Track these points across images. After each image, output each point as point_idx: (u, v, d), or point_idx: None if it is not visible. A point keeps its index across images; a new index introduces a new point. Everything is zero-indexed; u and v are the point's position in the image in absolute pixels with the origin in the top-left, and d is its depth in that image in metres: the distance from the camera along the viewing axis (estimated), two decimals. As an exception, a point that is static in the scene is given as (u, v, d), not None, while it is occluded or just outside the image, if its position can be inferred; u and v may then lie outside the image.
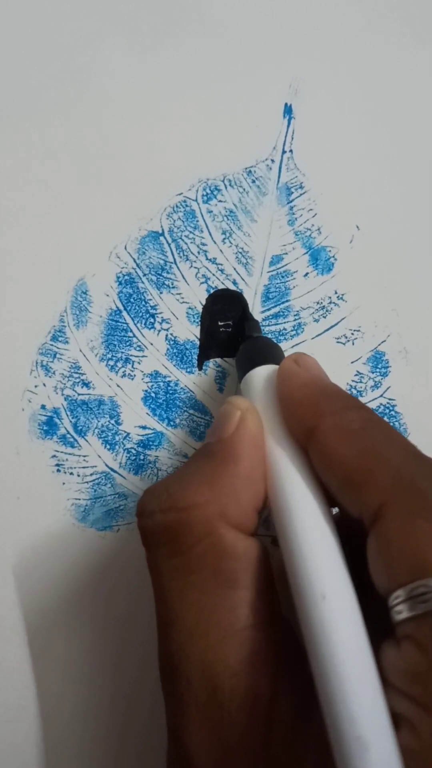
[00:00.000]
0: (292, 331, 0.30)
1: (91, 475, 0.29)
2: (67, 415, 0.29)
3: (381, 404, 0.30)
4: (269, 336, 0.30)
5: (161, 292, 0.30)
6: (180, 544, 0.20)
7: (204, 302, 0.30)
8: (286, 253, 0.30)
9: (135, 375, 0.29)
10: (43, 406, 0.29)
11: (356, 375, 0.30)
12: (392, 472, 0.19)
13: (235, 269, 0.30)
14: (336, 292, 0.30)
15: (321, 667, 0.17)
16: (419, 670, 0.16)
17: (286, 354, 0.28)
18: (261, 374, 0.24)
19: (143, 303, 0.29)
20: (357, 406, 0.21)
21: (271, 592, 0.20)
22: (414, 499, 0.18)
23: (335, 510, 0.21)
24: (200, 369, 0.30)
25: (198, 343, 0.30)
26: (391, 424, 0.30)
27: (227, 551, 0.20)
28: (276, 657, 0.19)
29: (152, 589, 0.21)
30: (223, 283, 0.30)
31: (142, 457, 0.29)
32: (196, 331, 0.30)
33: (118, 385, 0.29)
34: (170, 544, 0.20)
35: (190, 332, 0.30)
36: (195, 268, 0.30)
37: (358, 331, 0.30)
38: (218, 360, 0.30)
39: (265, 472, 0.21)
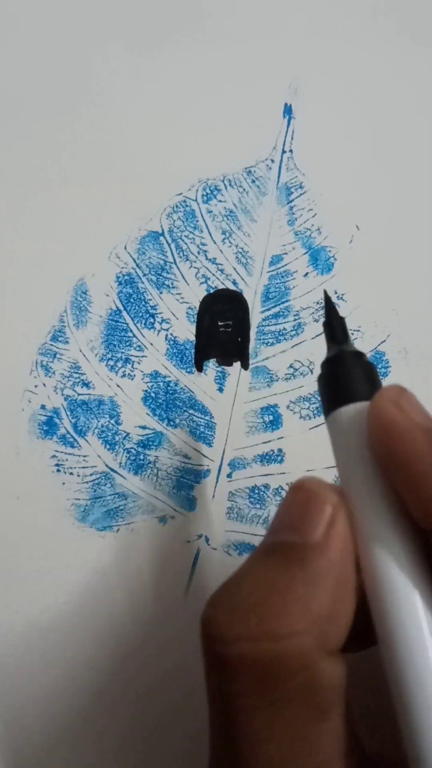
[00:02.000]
0: (292, 331, 0.30)
1: (91, 475, 0.29)
2: (67, 415, 0.29)
3: (381, 404, 0.30)
4: (269, 334, 0.30)
5: (161, 292, 0.30)
6: (271, 680, 0.17)
7: (200, 303, 0.30)
8: (286, 253, 0.30)
9: (135, 375, 0.29)
10: (43, 406, 0.29)
11: (356, 375, 0.30)
12: None
13: (235, 269, 0.30)
14: (336, 292, 0.30)
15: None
16: None
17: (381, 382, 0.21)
18: (353, 419, 0.18)
19: (143, 303, 0.29)
20: None
21: (353, 715, 0.18)
22: None
23: None
24: (200, 370, 0.30)
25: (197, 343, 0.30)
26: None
27: (324, 686, 0.17)
28: None
29: (212, 714, 0.18)
30: (223, 283, 0.30)
31: (142, 457, 0.29)
32: (196, 331, 0.30)
33: (118, 385, 0.29)
34: (258, 678, 0.17)
35: (190, 332, 0.30)
36: (195, 268, 0.30)
37: (358, 331, 0.30)
38: (218, 360, 0.30)
39: (356, 579, 0.18)
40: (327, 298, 0.22)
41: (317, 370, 0.30)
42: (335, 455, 0.19)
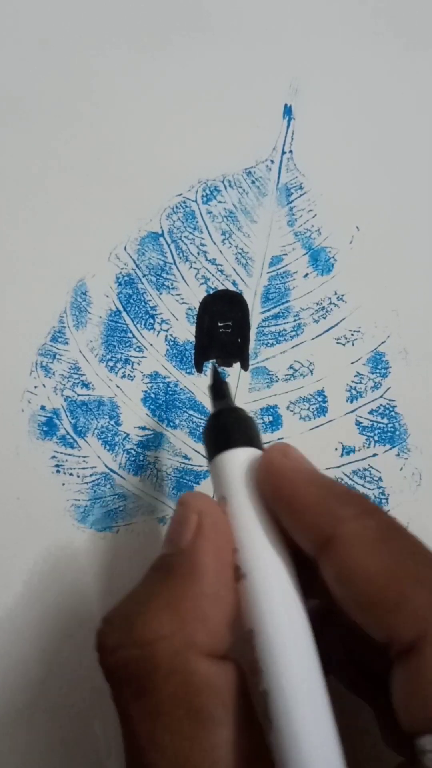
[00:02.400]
0: (291, 331, 0.30)
1: (91, 475, 0.29)
2: (67, 416, 0.29)
3: (381, 405, 0.30)
4: (268, 335, 0.30)
5: (161, 293, 0.30)
6: (146, 684, 0.17)
7: (200, 303, 0.30)
8: (286, 254, 0.30)
9: (134, 376, 0.29)
10: (42, 407, 0.29)
11: (356, 376, 0.30)
12: (429, 597, 0.17)
13: (234, 270, 0.30)
14: (336, 293, 0.30)
15: None
16: None
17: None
18: (236, 461, 0.21)
19: (143, 304, 0.29)
20: (373, 509, 0.19)
21: (253, 723, 0.18)
22: None
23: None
24: (200, 371, 0.30)
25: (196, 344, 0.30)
26: (392, 425, 0.30)
27: (199, 687, 0.17)
28: None
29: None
30: (222, 284, 0.30)
31: (141, 458, 0.29)
32: (196, 331, 0.30)
33: (117, 386, 0.29)
34: (136, 683, 0.18)
35: (189, 333, 0.30)
36: (195, 268, 0.30)
37: (358, 331, 0.30)
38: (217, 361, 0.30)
39: (233, 580, 0.19)
40: (213, 367, 0.27)
41: (317, 371, 0.30)
42: (216, 492, 0.21)
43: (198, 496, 0.20)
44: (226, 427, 0.22)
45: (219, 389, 0.24)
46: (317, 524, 0.19)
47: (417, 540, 0.19)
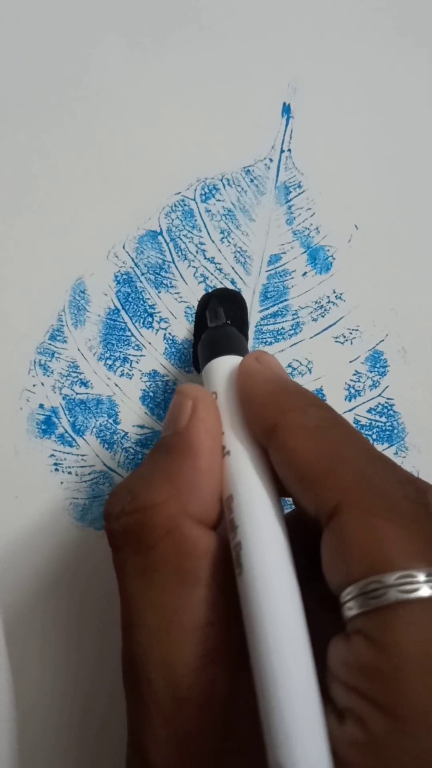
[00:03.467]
0: (290, 330, 0.30)
1: (90, 474, 0.29)
2: (66, 415, 0.29)
3: (379, 403, 0.30)
4: (267, 333, 0.30)
5: (159, 292, 0.30)
6: (143, 544, 0.20)
7: (198, 302, 0.30)
8: (285, 252, 0.30)
9: (133, 374, 0.29)
10: (41, 406, 0.29)
11: (354, 374, 0.30)
12: (352, 471, 0.19)
13: (233, 268, 0.30)
14: (334, 292, 0.30)
15: (255, 662, 0.17)
16: (368, 665, 0.16)
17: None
18: (223, 365, 0.24)
19: (141, 302, 0.29)
20: (319, 404, 0.21)
21: (231, 587, 0.20)
22: (373, 498, 0.18)
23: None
24: (199, 371, 0.30)
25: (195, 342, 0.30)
26: (390, 423, 0.30)
27: (189, 549, 0.20)
28: (234, 652, 0.19)
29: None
30: (221, 282, 0.30)
31: (140, 457, 0.29)
32: (195, 330, 0.30)
33: (116, 385, 0.29)
34: (134, 544, 0.20)
35: (188, 331, 0.30)
36: (193, 267, 0.30)
37: (357, 330, 0.30)
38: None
39: (222, 459, 0.21)
40: (207, 295, 0.30)
41: (316, 370, 0.30)
42: (218, 395, 0.23)
43: (193, 386, 0.23)
44: (217, 340, 0.26)
45: (215, 313, 0.28)
46: (265, 415, 0.21)
47: (354, 429, 0.21)
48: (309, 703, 0.17)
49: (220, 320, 0.27)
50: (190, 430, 0.21)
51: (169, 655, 0.19)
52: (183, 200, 0.30)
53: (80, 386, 0.29)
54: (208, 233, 0.30)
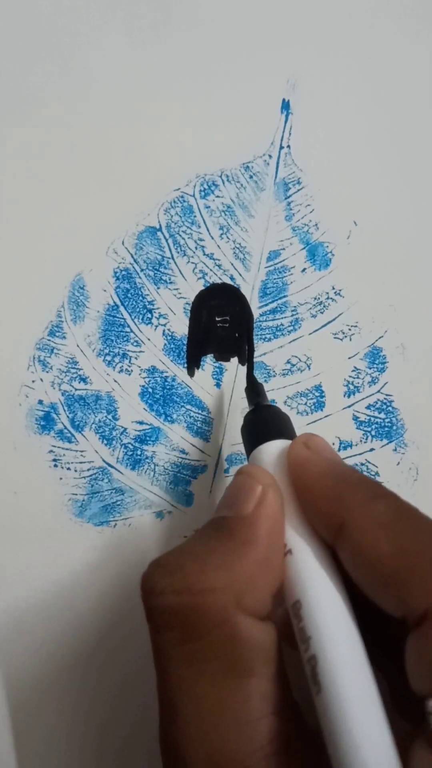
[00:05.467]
0: (289, 326, 0.30)
1: (89, 470, 0.29)
2: (65, 411, 0.29)
3: (378, 400, 0.30)
4: (266, 329, 0.30)
5: (158, 288, 0.30)
6: (192, 631, 0.19)
7: (195, 298, 0.30)
8: (284, 249, 0.30)
9: (132, 370, 0.29)
10: (40, 402, 0.29)
11: (354, 370, 0.30)
12: None
13: (232, 264, 0.30)
14: (333, 288, 0.30)
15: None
16: None
17: (297, 430, 0.26)
18: (272, 451, 0.23)
19: (140, 298, 0.29)
20: (384, 494, 0.20)
21: (284, 678, 0.19)
22: None
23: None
24: (193, 366, 0.29)
25: (195, 342, 0.30)
26: (389, 419, 0.30)
27: (242, 641, 0.19)
28: (288, 744, 0.19)
29: (155, 670, 0.20)
30: (220, 279, 0.30)
31: (139, 453, 0.29)
32: (194, 326, 0.30)
33: (115, 381, 0.29)
34: (181, 629, 0.19)
35: (187, 327, 0.30)
36: (192, 263, 0.30)
37: (356, 326, 0.30)
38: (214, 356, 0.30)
39: (282, 554, 0.20)
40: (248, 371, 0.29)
41: (315, 366, 0.30)
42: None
43: (262, 470, 0.22)
44: (258, 424, 0.25)
45: (254, 388, 0.27)
46: (329, 512, 0.20)
47: (426, 519, 0.20)
48: None
49: (262, 399, 0.26)
50: (257, 518, 0.20)
51: (217, 749, 0.18)
52: (182, 196, 0.30)
53: (79, 382, 0.29)
54: (208, 229, 0.30)
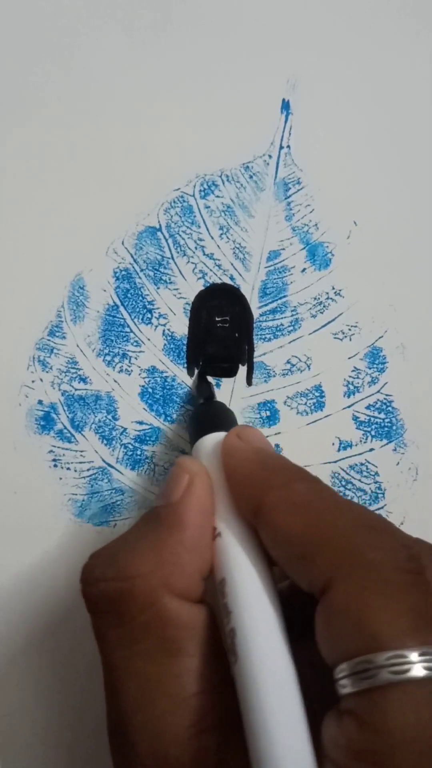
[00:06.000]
0: (289, 326, 0.30)
1: (88, 470, 0.29)
2: (64, 411, 0.29)
3: (378, 400, 0.30)
4: (266, 330, 0.30)
5: (158, 288, 0.30)
6: (123, 615, 0.20)
7: (194, 298, 0.30)
8: (284, 249, 0.30)
9: (132, 370, 0.29)
10: (40, 402, 0.29)
11: (353, 371, 0.30)
12: (341, 544, 0.19)
13: (232, 264, 0.30)
14: (333, 288, 0.30)
15: (254, 755, 0.17)
16: (359, 748, 0.16)
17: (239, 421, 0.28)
18: (210, 443, 0.24)
19: (140, 298, 0.29)
20: (303, 477, 0.21)
21: (219, 657, 0.20)
22: (362, 571, 0.18)
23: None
24: (193, 366, 0.30)
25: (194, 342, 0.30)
26: (389, 419, 0.30)
27: (171, 621, 0.20)
28: (223, 720, 0.19)
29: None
30: (220, 279, 0.30)
31: (139, 453, 0.29)
32: (194, 326, 0.30)
33: (115, 381, 0.29)
34: (114, 613, 0.20)
35: (187, 328, 0.30)
36: (192, 263, 0.30)
37: (356, 326, 0.30)
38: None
39: (211, 538, 0.21)
40: (198, 375, 0.30)
41: (315, 366, 0.30)
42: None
43: (192, 459, 0.23)
44: (203, 417, 0.26)
45: (203, 389, 0.28)
46: (251, 495, 0.21)
47: (341, 499, 0.21)
48: None
49: (207, 395, 0.28)
50: (182, 504, 0.21)
51: (153, 725, 0.19)
52: (182, 196, 0.30)
53: (79, 382, 0.29)
54: (207, 229, 0.30)
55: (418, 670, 0.16)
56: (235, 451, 0.22)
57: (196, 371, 0.29)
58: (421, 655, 0.16)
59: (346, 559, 0.18)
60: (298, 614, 0.20)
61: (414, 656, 0.16)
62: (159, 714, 0.19)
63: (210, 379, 0.30)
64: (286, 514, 0.20)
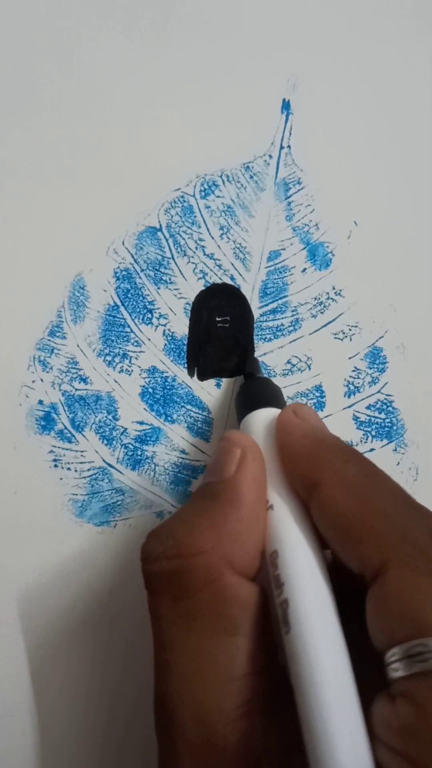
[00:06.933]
0: (289, 326, 0.30)
1: (89, 470, 0.29)
2: (65, 411, 0.29)
3: (379, 400, 0.30)
4: (266, 330, 0.30)
5: (159, 288, 0.30)
6: (184, 590, 0.20)
7: (194, 299, 0.29)
8: (284, 249, 0.30)
9: (132, 370, 0.29)
10: (40, 402, 0.29)
11: (354, 371, 0.30)
12: (392, 527, 0.19)
13: (232, 264, 0.30)
14: (334, 288, 0.30)
15: (307, 719, 0.17)
16: (412, 728, 0.16)
17: (287, 401, 0.28)
18: (261, 418, 0.24)
19: (141, 298, 0.29)
20: (357, 458, 0.21)
21: (270, 638, 0.20)
22: (414, 554, 0.18)
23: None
24: (193, 366, 0.29)
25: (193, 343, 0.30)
26: (389, 419, 0.30)
27: (229, 598, 0.20)
28: (270, 702, 0.19)
29: (151, 632, 0.21)
30: (220, 279, 0.30)
31: (139, 453, 0.29)
32: (194, 326, 0.30)
33: (115, 381, 0.29)
34: (174, 589, 0.20)
35: (187, 328, 0.30)
36: (192, 263, 0.30)
37: (356, 326, 0.30)
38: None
39: (266, 511, 0.21)
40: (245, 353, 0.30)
41: (315, 366, 0.30)
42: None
43: (242, 434, 0.23)
44: (255, 392, 0.26)
45: (250, 361, 0.29)
46: (306, 471, 0.21)
47: (392, 482, 0.21)
48: (363, 764, 0.17)
49: (258, 371, 0.28)
50: (238, 479, 0.21)
51: (204, 702, 0.19)
52: (182, 196, 0.30)
53: (79, 382, 0.29)
54: (208, 229, 0.30)
55: None
56: (291, 428, 0.22)
57: (195, 370, 0.29)
58: None
59: (399, 542, 0.18)
60: (340, 594, 0.20)
61: None
62: (210, 691, 0.19)
63: (210, 379, 0.29)
64: (339, 494, 0.20)
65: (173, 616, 0.20)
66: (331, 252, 0.30)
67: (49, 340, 0.29)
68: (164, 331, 0.29)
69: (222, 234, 0.30)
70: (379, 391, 0.30)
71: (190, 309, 0.30)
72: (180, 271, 0.30)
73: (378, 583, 0.18)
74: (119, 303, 0.29)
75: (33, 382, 0.29)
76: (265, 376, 0.29)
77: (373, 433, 0.30)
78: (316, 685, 0.17)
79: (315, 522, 0.21)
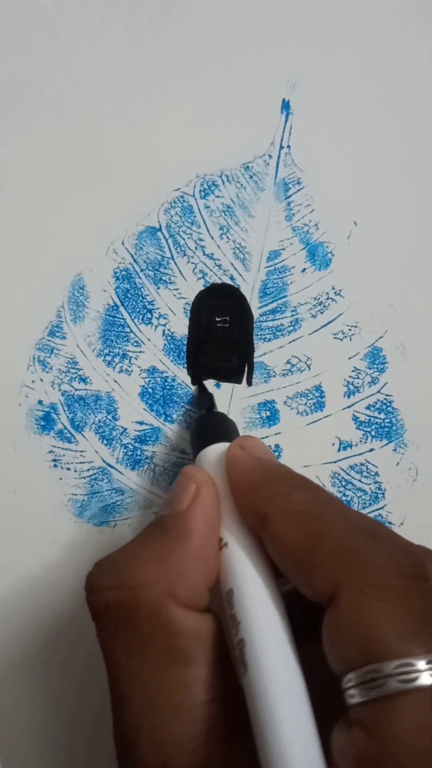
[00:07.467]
0: (289, 326, 0.30)
1: (88, 470, 0.29)
2: (64, 411, 0.29)
3: (378, 400, 0.30)
4: (266, 330, 0.30)
5: (158, 288, 0.30)
6: (128, 624, 0.20)
7: (194, 299, 0.29)
8: (284, 249, 0.30)
9: (132, 370, 0.29)
10: (40, 402, 0.29)
11: (353, 371, 0.30)
12: (342, 552, 0.19)
13: (232, 264, 0.30)
14: (333, 288, 0.30)
15: (266, 760, 0.17)
16: (366, 757, 0.16)
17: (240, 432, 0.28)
18: (216, 453, 0.24)
19: (140, 298, 0.29)
20: (303, 485, 0.21)
21: (226, 665, 0.20)
22: (365, 578, 0.18)
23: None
24: (193, 368, 0.29)
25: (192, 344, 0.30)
26: (389, 420, 0.30)
27: (176, 630, 0.19)
28: (229, 728, 0.19)
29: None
30: (220, 279, 0.30)
31: (139, 453, 0.29)
32: (194, 326, 0.30)
33: (115, 381, 0.29)
34: (119, 622, 0.20)
35: (187, 328, 0.30)
36: (192, 263, 0.30)
37: (356, 326, 0.30)
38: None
39: (218, 548, 0.21)
40: (198, 386, 0.30)
41: (315, 366, 0.30)
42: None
43: (199, 469, 0.23)
44: (206, 428, 0.26)
45: (204, 400, 0.28)
46: (255, 505, 0.21)
47: (341, 505, 0.21)
48: None
49: (207, 406, 0.28)
50: (190, 513, 0.21)
51: (159, 734, 0.19)
52: (182, 196, 0.30)
53: (79, 382, 0.29)
54: (207, 229, 0.30)
55: (425, 678, 0.16)
56: (238, 462, 0.22)
57: (196, 385, 0.29)
58: (428, 663, 0.16)
59: (348, 568, 0.18)
60: (302, 617, 0.20)
61: (421, 664, 0.16)
62: (165, 724, 0.19)
63: (210, 379, 0.30)
64: (287, 524, 0.20)
65: (120, 649, 0.20)
66: (330, 252, 0.30)
67: (48, 340, 0.29)
68: (164, 331, 0.29)
69: (222, 234, 0.30)
70: (378, 391, 0.30)
71: (189, 309, 0.30)
72: (180, 271, 0.30)
73: (331, 609, 0.18)
74: (119, 303, 0.29)
75: (33, 382, 0.29)
76: (220, 411, 0.29)
77: (373, 433, 0.30)
78: (275, 724, 0.17)
79: (270, 554, 0.20)
